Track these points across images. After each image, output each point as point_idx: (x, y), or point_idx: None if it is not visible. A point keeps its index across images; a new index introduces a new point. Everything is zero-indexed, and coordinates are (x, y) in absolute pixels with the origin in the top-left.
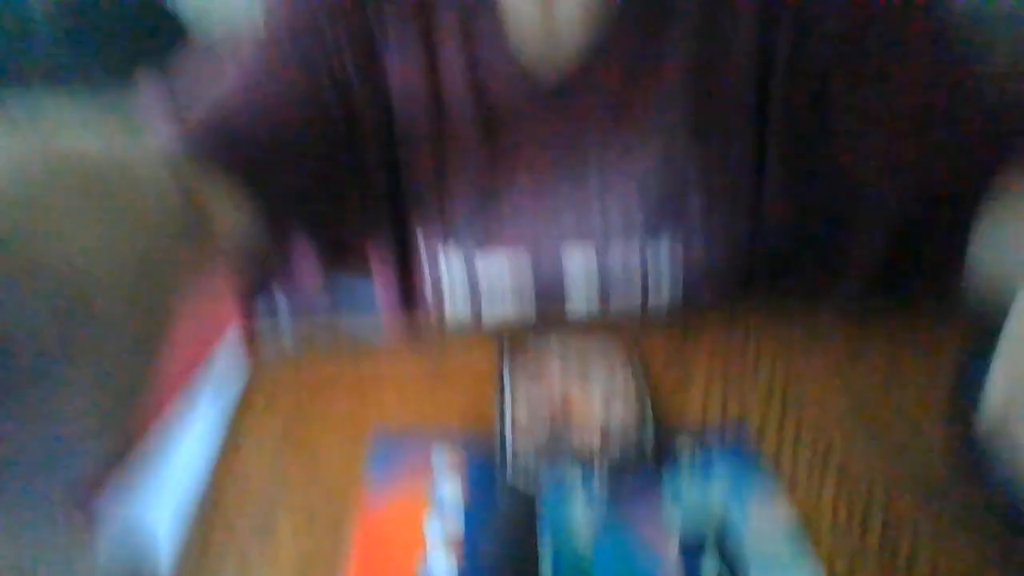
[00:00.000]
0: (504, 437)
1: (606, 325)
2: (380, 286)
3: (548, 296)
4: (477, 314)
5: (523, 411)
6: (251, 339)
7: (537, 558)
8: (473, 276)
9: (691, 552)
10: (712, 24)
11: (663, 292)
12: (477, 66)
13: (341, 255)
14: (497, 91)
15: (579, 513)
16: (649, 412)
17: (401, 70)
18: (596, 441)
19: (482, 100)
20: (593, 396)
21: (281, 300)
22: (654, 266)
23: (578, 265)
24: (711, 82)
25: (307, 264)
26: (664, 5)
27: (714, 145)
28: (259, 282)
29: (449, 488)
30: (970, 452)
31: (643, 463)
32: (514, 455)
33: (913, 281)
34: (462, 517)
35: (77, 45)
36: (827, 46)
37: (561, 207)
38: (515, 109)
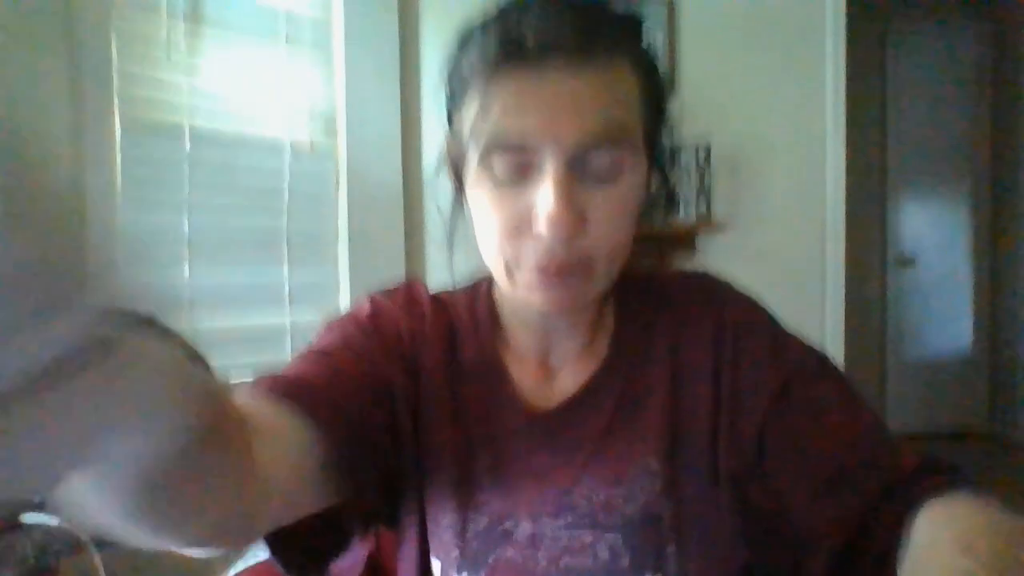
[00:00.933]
0: None
1: None
2: None
3: None
4: None
5: None
6: None
7: None
8: None
9: None
10: (679, 373)
11: None
12: (489, 410)
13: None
14: (503, 421)
15: None
16: None
17: (434, 416)
18: None
19: (491, 433)
20: None
21: None
22: None
23: None
24: (680, 426)
25: (352, 548)
26: (644, 357)
27: (684, 501)
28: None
29: None
30: None
31: None
32: None
33: None
34: None
35: None
36: (760, 399)
37: (559, 551)
38: (516, 432)
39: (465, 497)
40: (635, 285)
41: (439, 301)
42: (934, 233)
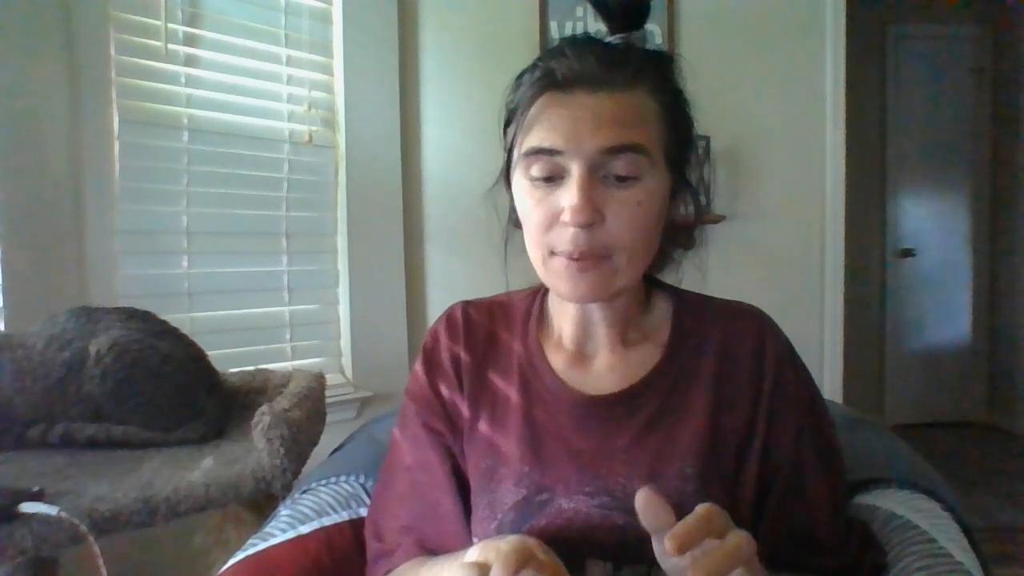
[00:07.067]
0: None
1: None
2: None
3: None
4: None
5: None
6: None
7: None
8: None
9: None
10: (721, 391)
11: None
12: (531, 386)
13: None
14: (544, 402)
15: None
16: None
17: (479, 406)
18: None
19: (532, 414)
20: None
21: None
22: None
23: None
24: (717, 442)
25: None
26: (693, 371)
27: (715, 498)
28: None
29: None
30: None
31: None
32: None
33: None
34: None
35: None
36: (786, 436)
37: (591, 528)
38: (556, 412)
39: (505, 471)
40: (692, 306)
41: (483, 307)
42: (933, 226)
